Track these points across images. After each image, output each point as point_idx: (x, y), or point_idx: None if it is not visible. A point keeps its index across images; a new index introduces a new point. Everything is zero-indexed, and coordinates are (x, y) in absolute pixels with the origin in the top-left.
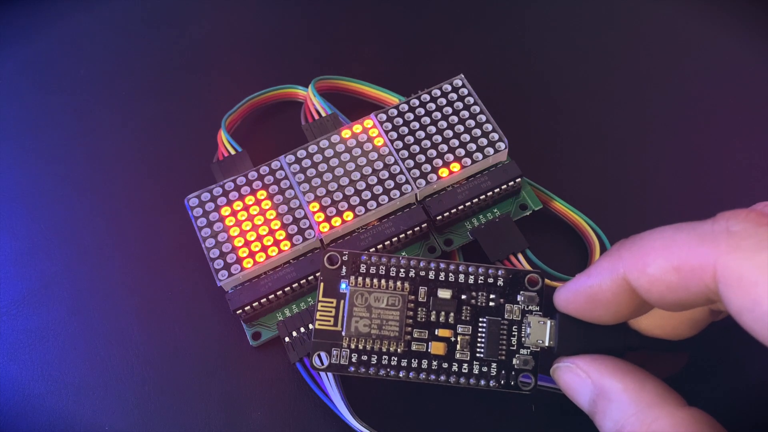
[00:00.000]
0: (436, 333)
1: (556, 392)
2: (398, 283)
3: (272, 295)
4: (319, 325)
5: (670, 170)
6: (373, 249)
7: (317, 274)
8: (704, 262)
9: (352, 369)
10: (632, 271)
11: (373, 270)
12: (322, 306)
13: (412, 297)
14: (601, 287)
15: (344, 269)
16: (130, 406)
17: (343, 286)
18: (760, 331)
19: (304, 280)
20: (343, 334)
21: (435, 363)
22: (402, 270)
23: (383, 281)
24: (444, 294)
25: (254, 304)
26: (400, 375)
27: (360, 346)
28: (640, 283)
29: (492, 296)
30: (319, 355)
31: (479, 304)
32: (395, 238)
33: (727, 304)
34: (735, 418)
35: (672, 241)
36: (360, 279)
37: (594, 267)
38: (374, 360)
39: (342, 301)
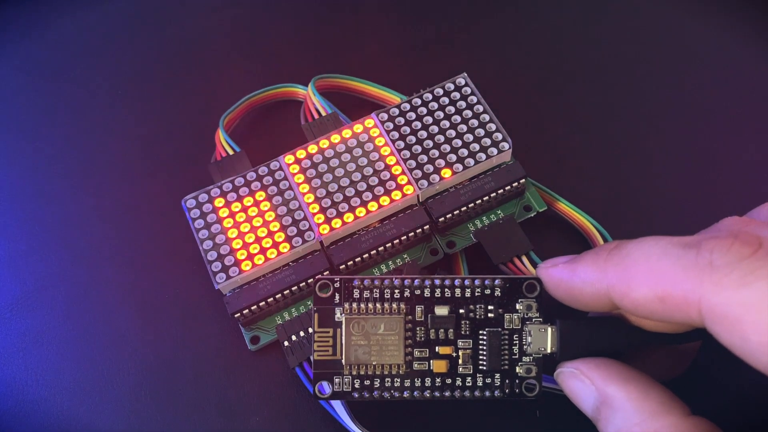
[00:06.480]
0: (436, 351)
1: (561, 393)
2: (394, 305)
3: (271, 298)
4: (318, 356)
5: (676, 171)
6: (374, 251)
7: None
8: (689, 297)
9: (356, 395)
10: (616, 291)
11: (366, 294)
12: (318, 337)
13: (410, 317)
14: (581, 292)
15: (337, 296)
16: (126, 411)
17: (338, 314)
18: (754, 363)
19: (304, 283)
20: (343, 362)
21: (438, 380)
22: (396, 291)
23: (378, 305)
24: (441, 311)
25: (253, 308)
26: (405, 395)
27: (361, 372)
28: (624, 304)
29: (490, 307)
30: (321, 385)
31: (478, 317)
32: (396, 240)
33: (717, 337)
34: (740, 425)
35: (657, 267)
36: (354, 305)
37: (580, 268)
38: (377, 383)
39: (338, 330)
